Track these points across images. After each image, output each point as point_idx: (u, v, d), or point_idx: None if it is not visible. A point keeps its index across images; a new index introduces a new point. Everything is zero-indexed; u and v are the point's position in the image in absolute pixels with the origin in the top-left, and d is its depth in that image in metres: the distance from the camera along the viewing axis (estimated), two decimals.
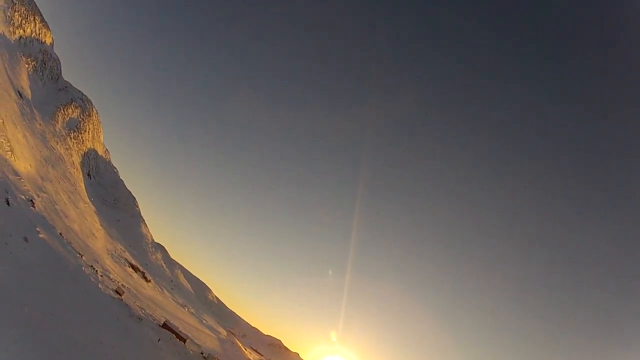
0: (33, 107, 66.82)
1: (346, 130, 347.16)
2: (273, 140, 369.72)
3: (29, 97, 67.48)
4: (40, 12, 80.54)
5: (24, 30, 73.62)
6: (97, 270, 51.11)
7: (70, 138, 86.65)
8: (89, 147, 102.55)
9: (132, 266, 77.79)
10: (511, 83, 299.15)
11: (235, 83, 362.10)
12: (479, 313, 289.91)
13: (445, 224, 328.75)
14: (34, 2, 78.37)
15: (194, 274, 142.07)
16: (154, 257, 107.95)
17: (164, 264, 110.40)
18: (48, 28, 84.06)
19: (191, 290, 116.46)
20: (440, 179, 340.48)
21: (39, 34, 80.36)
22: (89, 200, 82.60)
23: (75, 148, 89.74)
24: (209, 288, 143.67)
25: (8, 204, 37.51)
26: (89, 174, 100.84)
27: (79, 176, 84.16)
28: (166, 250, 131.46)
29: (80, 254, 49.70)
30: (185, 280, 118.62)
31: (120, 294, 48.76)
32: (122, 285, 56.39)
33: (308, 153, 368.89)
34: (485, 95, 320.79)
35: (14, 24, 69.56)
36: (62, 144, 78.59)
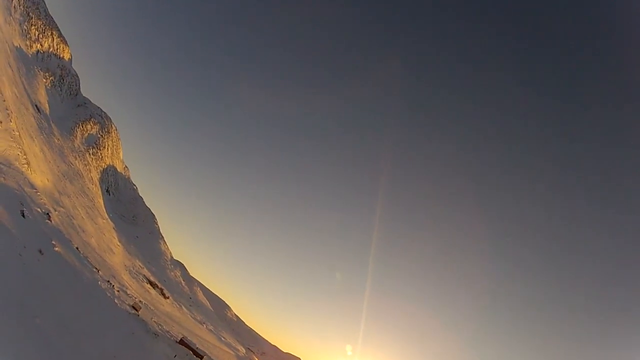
0: (51, 122, 66.87)
1: (366, 144, 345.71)
2: (293, 158, 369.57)
3: (47, 112, 67.59)
4: (57, 27, 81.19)
5: (41, 45, 74.10)
6: (113, 286, 50.02)
7: (89, 154, 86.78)
8: (108, 163, 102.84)
9: (150, 282, 76.73)
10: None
11: (253, 100, 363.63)
12: (501, 329, 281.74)
13: (469, 239, 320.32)
14: (51, 17, 79.01)
15: (212, 291, 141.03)
16: (172, 274, 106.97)
17: (182, 281, 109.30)
18: (66, 44, 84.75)
19: (210, 307, 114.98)
20: (465, 192, 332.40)
21: (57, 49, 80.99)
22: (107, 216, 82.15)
23: (94, 164, 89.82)
24: (227, 305, 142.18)
25: (23, 215, 36.70)
26: (107, 190, 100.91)
27: (97, 192, 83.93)
28: (185, 268, 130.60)
29: (96, 268, 48.71)
30: (204, 298, 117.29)
31: (136, 310, 47.55)
32: (139, 300, 55.24)
33: (327, 172, 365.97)
34: (499, 103, 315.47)
35: (30, 37, 69.99)
36: (81, 160, 78.54)
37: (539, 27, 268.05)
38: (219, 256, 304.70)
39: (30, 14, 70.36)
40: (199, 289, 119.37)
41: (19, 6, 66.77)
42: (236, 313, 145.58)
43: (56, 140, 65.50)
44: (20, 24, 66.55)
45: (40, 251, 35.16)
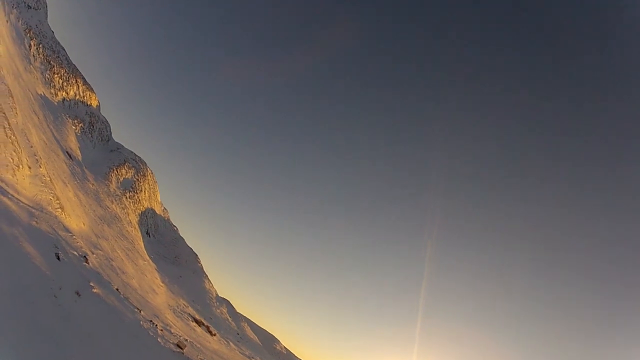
0: (84, 168, 67.73)
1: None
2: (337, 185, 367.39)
3: (79, 159, 68.56)
4: (82, 75, 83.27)
5: (66, 93, 75.92)
6: (156, 325, 48.75)
7: (126, 198, 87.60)
8: (146, 206, 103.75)
9: (196, 320, 75.43)
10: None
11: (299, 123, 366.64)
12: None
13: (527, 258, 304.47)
14: (74, 65, 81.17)
15: (260, 325, 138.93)
16: (218, 311, 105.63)
17: (229, 318, 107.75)
18: (92, 91, 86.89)
19: (258, 341, 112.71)
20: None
21: (84, 97, 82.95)
22: (148, 258, 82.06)
23: (132, 207, 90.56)
24: (276, 339, 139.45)
25: (58, 258, 36.02)
26: (147, 233, 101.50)
27: (137, 234, 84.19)
28: (231, 304, 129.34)
29: (138, 308, 47.64)
30: (252, 333, 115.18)
31: (181, 348, 45.95)
32: (185, 339, 53.77)
33: (375, 201, 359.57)
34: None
35: (54, 86, 71.80)
36: (118, 204, 79.18)
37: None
38: (264, 291, 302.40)
39: (52, 62, 72.31)
40: (246, 324, 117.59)
41: (38, 55, 68.73)
42: (285, 345, 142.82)
43: (91, 186, 66.08)
44: (42, 73, 68.38)
45: (77, 293, 34.23)
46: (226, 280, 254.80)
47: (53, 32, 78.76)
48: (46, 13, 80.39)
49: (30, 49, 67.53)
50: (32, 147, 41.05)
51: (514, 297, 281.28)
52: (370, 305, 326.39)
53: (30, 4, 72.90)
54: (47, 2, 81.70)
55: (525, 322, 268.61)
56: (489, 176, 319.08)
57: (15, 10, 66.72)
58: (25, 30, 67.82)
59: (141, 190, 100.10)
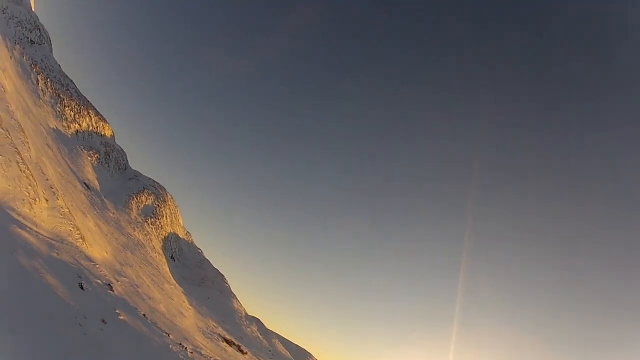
0: (104, 198, 68.23)
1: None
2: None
3: (98, 189, 69.10)
4: (93, 106, 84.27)
5: (79, 125, 76.80)
6: (186, 348, 48.30)
7: (148, 224, 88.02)
8: (169, 231, 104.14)
9: (227, 340, 74.92)
10: None
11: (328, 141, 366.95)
12: None
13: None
14: (84, 97, 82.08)
15: (292, 341, 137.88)
16: (249, 329, 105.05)
17: (260, 335, 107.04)
18: (106, 121, 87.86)
19: (291, 357, 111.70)
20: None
21: (97, 127, 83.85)
22: (174, 282, 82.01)
23: (155, 233, 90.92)
24: (309, 353, 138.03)
25: (82, 288, 35.88)
26: (172, 257, 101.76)
27: (162, 260, 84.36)
28: (262, 322, 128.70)
29: (167, 333, 47.28)
30: (284, 349, 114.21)
31: None
32: None
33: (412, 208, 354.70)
34: None
35: (66, 119, 72.68)
36: (140, 231, 79.52)
37: None
38: (294, 306, 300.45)
39: (61, 95, 73.26)
40: (277, 340, 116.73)
41: (47, 89, 69.71)
42: (318, 359, 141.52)
43: (111, 215, 66.47)
44: (52, 107, 69.31)
45: (103, 321, 33.97)
46: (255, 298, 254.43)
47: (60, 65, 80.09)
48: (51, 47, 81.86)
49: (38, 84, 68.69)
50: (48, 180, 41.28)
51: (558, 296, 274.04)
52: (404, 307, 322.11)
53: (33, 40, 74.15)
54: (52, 37, 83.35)
55: (570, 323, 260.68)
56: (532, 169, 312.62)
57: (18, 46, 67.93)
58: (31, 65, 69.04)
59: (163, 216, 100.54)
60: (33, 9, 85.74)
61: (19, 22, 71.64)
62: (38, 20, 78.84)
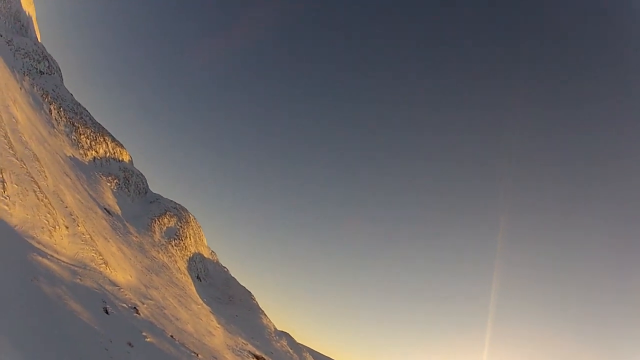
0: (125, 222, 68.54)
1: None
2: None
3: (119, 214, 69.47)
4: (109, 133, 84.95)
5: (96, 152, 77.46)
6: None
7: (172, 246, 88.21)
8: (193, 252, 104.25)
9: (256, 357, 74.21)
10: None
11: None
12: None
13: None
14: (99, 124, 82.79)
15: (323, 354, 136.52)
16: (278, 344, 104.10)
17: (290, 350, 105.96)
18: (123, 147, 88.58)
19: None
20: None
21: (114, 153, 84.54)
22: (202, 302, 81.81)
23: (179, 254, 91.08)
24: None
25: (107, 312, 35.75)
26: (198, 277, 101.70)
27: (187, 280, 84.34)
28: (291, 336, 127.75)
29: (195, 352, 46.90)
30: None
31: None
32: None
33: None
34: None
35: (82, 146, 73.38)
36: (164, 253, 79.69)
37: None
38: (323, 319, 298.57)
39: (75, 123, 73.99)
40: (308, 354, 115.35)
41: (61, 118, 70.57)
42: None
43: (134, 238, 66.73)
44: (67, 135, 70.02)
45: (129, 344, 33.74)
46: (284, 313, 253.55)
47: (72, 94, 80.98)
48: (61, 77, 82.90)
49: (51, 113, 69.56)
50: (67, 207, 41.50)
51: (592, 296, 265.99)
52: (437, 310, 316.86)
53: (42, 70, 75.12)
54: (61, 67, 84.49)
55: (610, 323, 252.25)
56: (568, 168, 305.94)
57: (27, 77, 69.01)
58: (42, 95, 69.98)
59: (186, 237, 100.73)
60: (39, 40, 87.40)
61: (26, 53, 72.85)
62: (45, 50, 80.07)
